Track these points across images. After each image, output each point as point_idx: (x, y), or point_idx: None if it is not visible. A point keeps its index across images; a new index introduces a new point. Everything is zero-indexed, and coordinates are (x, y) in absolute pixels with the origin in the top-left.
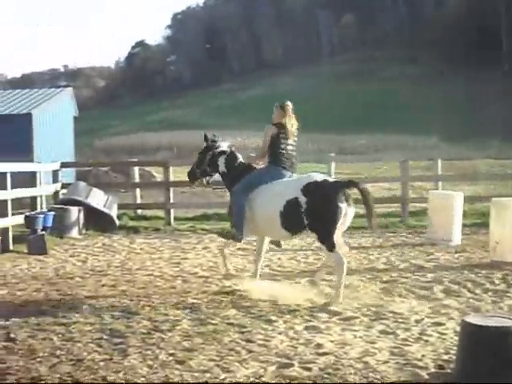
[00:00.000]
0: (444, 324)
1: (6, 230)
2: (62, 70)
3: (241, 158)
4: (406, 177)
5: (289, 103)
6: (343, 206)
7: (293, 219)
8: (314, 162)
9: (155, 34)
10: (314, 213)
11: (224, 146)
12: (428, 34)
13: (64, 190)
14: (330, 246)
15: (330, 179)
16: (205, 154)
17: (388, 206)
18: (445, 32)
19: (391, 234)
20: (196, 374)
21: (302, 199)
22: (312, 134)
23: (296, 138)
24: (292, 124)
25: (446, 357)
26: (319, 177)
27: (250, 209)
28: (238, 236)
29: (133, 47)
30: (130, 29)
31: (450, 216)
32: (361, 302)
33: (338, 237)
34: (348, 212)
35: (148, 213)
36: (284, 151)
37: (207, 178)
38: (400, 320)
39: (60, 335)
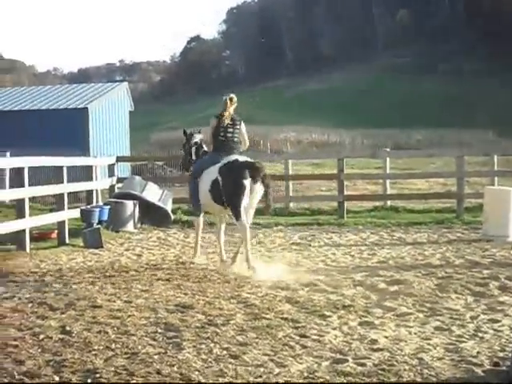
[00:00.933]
0: (500, 321)
1: (62, 223)
2: (118, 64)
3: (205, 148)
4: (461, 172)
5: (231, 96)
6: (247, 182)
7: (216, 195)
8: (368, 157)
9: (211, 28)
10: (225, 189)
11: (197, 138)
12: (486, 27)
13: (119, 184)
14: (237, 216)
15: (240, 160)
16: (185, 146)
17: (443, 202)
18: (503, 24)
19: (446, 230)
20: (250, 369)
21: (219, 178)
22: (367, 129)
23: (238, 126)
24: (228, 114)
25: (501, 354)
26: (233, 158)
27: (199, 190)
28: (196, 213)
29: (188, 42)
30: (185, 23)
31: (507, 212)
32: (416, 299)
33: (248, 208)
34: (254, 188)
35: None
36: (223, 138)
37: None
38: (455, 316)
39: (115, 328)
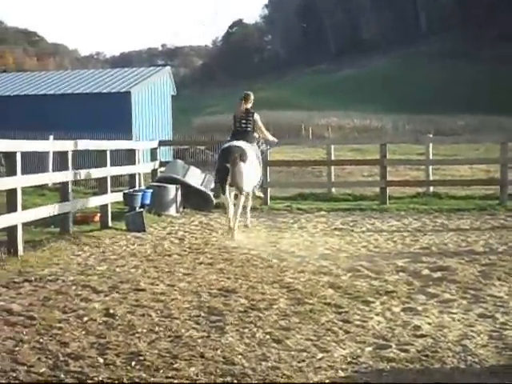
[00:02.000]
0: None
1: (105, 206)
2: (160, 48)
3: None
4: (505, 159)
5: (247, 94)
6: (224, 163)
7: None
8: (410, 142)
9: (253, 12)
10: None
11: None
12: None
13: (162, 168)
14: (222, 191)
15: (227, 145)
16: None
17: (486, 188)
18: None
19: (489, 217)
20: (293, 353)
21: (217, 161)
22: (410, 114)
23: (251, 118)
24: (242, 109)
25: None
26: (227, 144)
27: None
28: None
29: (230, 27)
30: (228, 8)
31: None
32: (459, 285)
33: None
34: (234, 170)
35: None
36: (238, 128)
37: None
38: (499, 303)
39: (158, 311)
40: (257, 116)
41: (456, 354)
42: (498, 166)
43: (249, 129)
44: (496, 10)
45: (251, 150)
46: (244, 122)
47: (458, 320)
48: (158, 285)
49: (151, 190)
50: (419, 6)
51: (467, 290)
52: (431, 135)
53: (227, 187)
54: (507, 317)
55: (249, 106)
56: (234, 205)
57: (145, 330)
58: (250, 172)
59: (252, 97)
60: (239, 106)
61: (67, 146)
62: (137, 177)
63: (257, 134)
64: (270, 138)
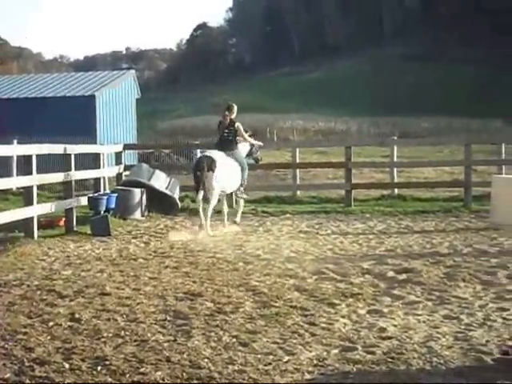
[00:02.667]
0: (508, 309)
1: (70, 210)
2: (125, 52)
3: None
4: (469, 161)
5: (229, 105)
6: (198, 172)
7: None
8: (375, 145)
9: (217, 16)
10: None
11: None
12: (494, 16)
13: (127, 172)
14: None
15: (204, 154)
16: None
17: (451, 190)
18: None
19: (454, 219)
20: (259, 356)
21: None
22: (375, 117)
23: (232, 128)
24: (226, 120)
25: (510, 342)
26: (203, 154)
27: None
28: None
29: (195, 29)
30: (192, 11)
31: None
32: (424, 287)
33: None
34: (206, 176)
35: None
36: (220, 138)
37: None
38: (464, 305)
39: (124, 316)
40: (238, 125)
41: (421, 356)
42: (462, 168)
43: (230, 137)
44: (459, 13)
45: (224, 158)
46: (227, 131)
47: (424, 321)
48: (123, 289)
49: (116, 194)
50: (383, 9)
51: (432, 291)
52: (396, 138)
53: (200, 192)
54: (472, 318)
55: (232, 116)
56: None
57: (110, 335)
58: (223, 178)
59: (235, 108)
60: (224, 116)
61: (31, 150)
62: (102, 181)
63: (242, 142)
64: (254, 142)
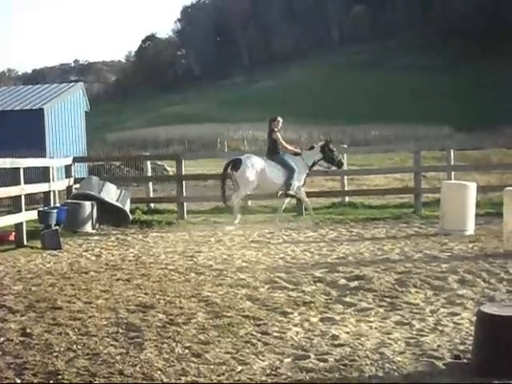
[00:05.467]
0: (459, 314)
1: (19, 225)
2: (73, 64)
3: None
4: (418, 167)
5: (271, 117)
6: (225, 171)
7: None
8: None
9: (166, 27)
10: None
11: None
12: (440, 24)
13: (77, 185)
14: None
15: (230, 159)
16: None
17: (401, 197)
18: (457, 21)
19: (404, 225)
20: (212, 367)
21: None
22: (323, 125)
23: (270, 138)
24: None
25: (462, 347)
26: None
27: None
28: None
29: (143, 41)
30: (140, 22)
31: (464, 206)
32: (375, 293)
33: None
34: (234, 176)
35: (161, 206)
36: (267, 145)
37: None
38: (415, 310)
39: (76, 329)
40: (275, 135)
41: (374, 362)
42: (412, 175)
43: (269, 146)
44: (406, 21)
45: (258, 161)
46: (269, 140)
47: (376, 328)
48: (74, 302)
49: (66, 207)
50: (330, 18)
51: (384, 298)
52: (345, 146)
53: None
54: (423, 323)
55: (276, 127)
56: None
57: (62, 349)
58: (250, 178)
59: (276, 119)
60: (268, 127)
61: None
62: (51, 194)
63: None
64: (290, 149)
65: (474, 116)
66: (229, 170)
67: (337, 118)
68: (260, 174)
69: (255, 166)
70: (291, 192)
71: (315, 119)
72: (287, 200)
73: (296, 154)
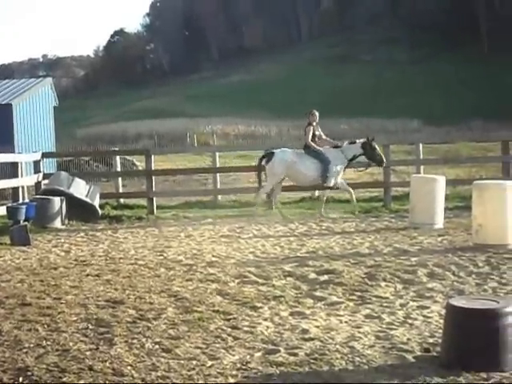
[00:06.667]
0: (429, 307)
1: None
2: (41, 59)
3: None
4: (387, 161)
5: (309, 111)
6: (263, 165)
7: None
8: (297, 147)
9: (134, 22)
10: None
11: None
12: (410, 18)
13: (46, 181)
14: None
15: (273, 151)
16: None
17: (370, 191)
18: (428, 15)
19: (374, 219)
20: (182, 362)
21: None
22: (294, 119)
23: (304, 132)
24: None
25: (431, 340)
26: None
27: None
28: None
29: (112, 36)
30: (109, 17)
31: (433, 200)
32: (345, 287)
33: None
34: (267, 167)
35: (130, 202)
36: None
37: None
38: (385, 304)
39: (45, 326)
40: (307, 129)
41: (344, 356)
42: (381, 169)
43: (305, 140)
44: (376, 14)
45: (289, 154)
46: (304, 134)
47: (346, 322)
48: (44, 298)
49: (35, 203)
50: (299, 11)
51: (353, 291)
52: None
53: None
54: (393, 317)
55: (312, 121)
56: None
57: (32, 345)
58: (274, 171)
59: (312, 113)
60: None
61: None
62: (20, 190)
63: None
64: (313, 145)
65: (443, 110)
66: (263, 163)
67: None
68: (290, 167)
69: (285, 160)
70: (329, 184)
71: (285, 113)
72: (327, 192)
73: (336, 147)
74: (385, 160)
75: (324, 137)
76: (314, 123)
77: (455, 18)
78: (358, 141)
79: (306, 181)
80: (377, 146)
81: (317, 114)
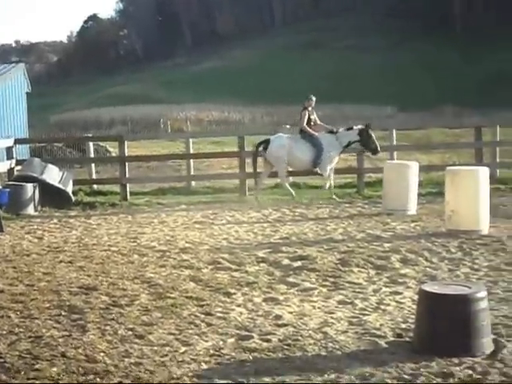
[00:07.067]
0: (401, 293)
1: None
2: (14, 45)
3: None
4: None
5: (307, 97)
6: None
7: None
8: (270, 134)
9: (107, 7)
10: None
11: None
12: (382, 4)
13: (18, 167)
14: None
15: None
16: None
17: (344, 177)
18: (397, 1)
19: (348, 205)
20: (155, 348)
21: None
22: (267, 106)
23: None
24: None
25: (404, 325)
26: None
27: None
28: None
29: (85, 21)
30: (82, 2)
31: (406, 186)
32: (319, 273)
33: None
34: (265, 155)
35: (104, 188)
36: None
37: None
38: (358, 290)
39: (18, 312)
40: (302, 113)
41: (317, 342)
42: (355, 155)
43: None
44: (346, 2)
45: (285, 139)
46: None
47: (319, 308)
48: (17, 285)
49: (8, 190)
50: None
51: (327, 277)
52: (288, 126)
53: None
54: (366, 302)
55: (309, 106)
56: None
57: (4, 332)
58: (277, 155)
59: (309, 98)
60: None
61: None
62: None
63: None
64: (308, 129)
65: (416, 96)
66: (260, 150)
67: (281, 98)
68: (287, 152)
69: (283, 144)
70: (318, 170)
71: (258, 100)
72: (332, 176)
73: (331, 132)
74: (379, 148)
75: (319, 122)
76: (310, 108)
77: (428, 3)
78: (355, 127)
79: (301, 165)
80: (373, 134)
81: (314, 98)
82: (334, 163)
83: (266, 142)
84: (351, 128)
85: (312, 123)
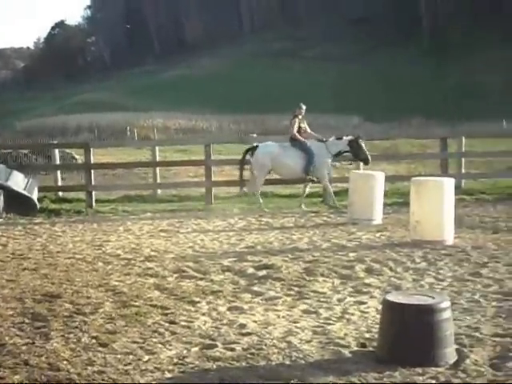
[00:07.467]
0: (366, 303)
1: None
2: None
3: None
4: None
5: (298, 105)
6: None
7: None
8: (237, 142)
9: (75, 14)
10: None
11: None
12: (352, 13)
13: None
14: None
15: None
16: None
17: (311, 186)
18: (369, 10)
19: (313, 214)
20: (119, 356)
21: None
22: (235, 114)
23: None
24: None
25: (368, 335)
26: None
27: None
28: None
29: (52, 28)
30: (49, 9)
31: (372, 195)
32: (283, 283)
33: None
34: (252, 161)
35: (69, 195)
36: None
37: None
38: (322, 299)
39: None
40: (292, 121)
41: (281, 351)
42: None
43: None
44: (318, 10)
45: (273, 147)
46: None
47: (283, 317)
48: None
49: None
50: (242, 5)
51: (291, 287)
52: (255, 135)
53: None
54: (330, 312)
55: (299, 115)
56: None
57: None
58: (260, 163)
59: (299, 107)
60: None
61: None
62: None
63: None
64: (298, 137)
65: (382, 106)
66: (247, 157)
67: (249, 107)
68: (275, 160)
69: (269, 152)
70: (311, 177)
71: (225, 108)
72: (309, 185)
73: (320, 141)
74: (370, 158)
75: (309, 130)
76: (300, 116)
77: (397, 13)
78: (344, 137)
79: (291, 173)
80: (363, 144)
81: (304, 107)
82: (329, 170)
83: (254, 149)
84: (341, 138)
85: (302, 131)
